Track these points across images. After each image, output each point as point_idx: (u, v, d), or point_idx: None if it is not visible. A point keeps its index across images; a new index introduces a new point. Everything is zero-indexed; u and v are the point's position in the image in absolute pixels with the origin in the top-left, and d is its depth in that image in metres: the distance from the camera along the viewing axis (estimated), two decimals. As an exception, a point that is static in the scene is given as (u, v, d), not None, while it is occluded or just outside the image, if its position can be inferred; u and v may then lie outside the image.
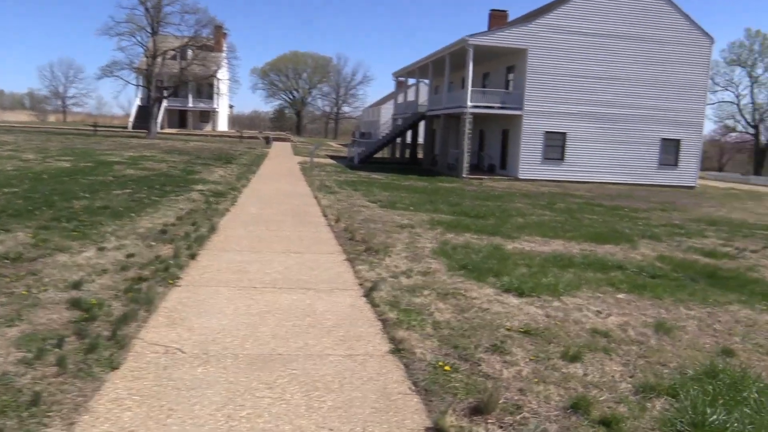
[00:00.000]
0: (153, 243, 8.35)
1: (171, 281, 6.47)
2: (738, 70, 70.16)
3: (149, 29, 46.03)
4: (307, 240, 9.62)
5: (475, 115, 28.32)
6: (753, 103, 69.91)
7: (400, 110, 42.41)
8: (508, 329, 5.45)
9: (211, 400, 3.81)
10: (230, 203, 13.30)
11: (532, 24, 28.02)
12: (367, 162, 34.79)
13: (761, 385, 4.47)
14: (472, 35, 27.65)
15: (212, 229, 9.76)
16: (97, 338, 4.60)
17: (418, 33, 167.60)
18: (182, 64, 49.21)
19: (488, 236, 10.67)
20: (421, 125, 37.52)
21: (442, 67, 32.39)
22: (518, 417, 3.79)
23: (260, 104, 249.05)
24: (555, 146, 28.76)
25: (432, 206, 14.85)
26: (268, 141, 48.20)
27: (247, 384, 4.08)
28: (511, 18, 38.89)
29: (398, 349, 4.84)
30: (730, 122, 74.02)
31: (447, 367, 4.46)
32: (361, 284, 6.88)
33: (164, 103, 55.19)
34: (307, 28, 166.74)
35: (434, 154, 36.44)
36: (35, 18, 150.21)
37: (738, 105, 71.33)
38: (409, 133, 38.84)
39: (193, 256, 7.74)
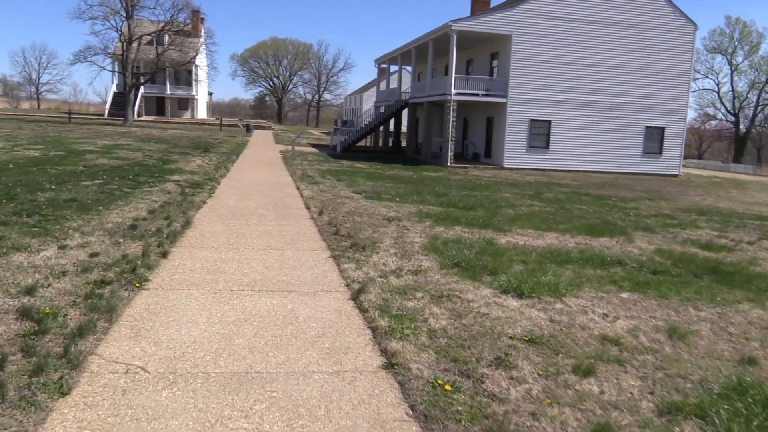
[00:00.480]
0: (121, 240, 7.71)
1: (138, 284, 5.87)
2: (719, 57, 70.65)
3: (123, 13, 44.50)
4: (288, 235, 9.04)
5: (459, 103, 27.76)
6: (733, 90, 70.47)
7: (382, 98, 41.63)
8: (511, 337, 4.96)
9: (177, 435, 3.26)
10: (207, 195, 12.65)
11: (516, 9, 27.41)
12: (350, 150, 34.13)
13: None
14: (455, 20, 27.00)
15: (187, 224, 9.14)
16: (47, 357, 4.01)
17: (401, 18, 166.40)
18: (159, 49, 47.69)
19: (479, 229, 10.19)
20: (405, 113, 36.85)
21: (425, 54, 31.70)
22: (532, 448, 3.30)
23: (240, 92, 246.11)
24: (540, 134, 28.32)
25: (418, 197, 14.32)
26: (248, 129, 47.07)
27: (219, 412, 3.53)
28: (493, 3, 38.25)
29: (391, 363, 4.32)
30: (710, 110, 74.65)
31: (447, 386, 3.96)
32: (347, 285, 6.35)
33: (141, 90, 53.80)
34: (287, 13, 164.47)
35: (418, 142, 35.82)
36: (5, 0, 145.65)
37: (718, 93, 71.93)
38: (392, 121, 38.12)
39: (164, 255, 7.13)
